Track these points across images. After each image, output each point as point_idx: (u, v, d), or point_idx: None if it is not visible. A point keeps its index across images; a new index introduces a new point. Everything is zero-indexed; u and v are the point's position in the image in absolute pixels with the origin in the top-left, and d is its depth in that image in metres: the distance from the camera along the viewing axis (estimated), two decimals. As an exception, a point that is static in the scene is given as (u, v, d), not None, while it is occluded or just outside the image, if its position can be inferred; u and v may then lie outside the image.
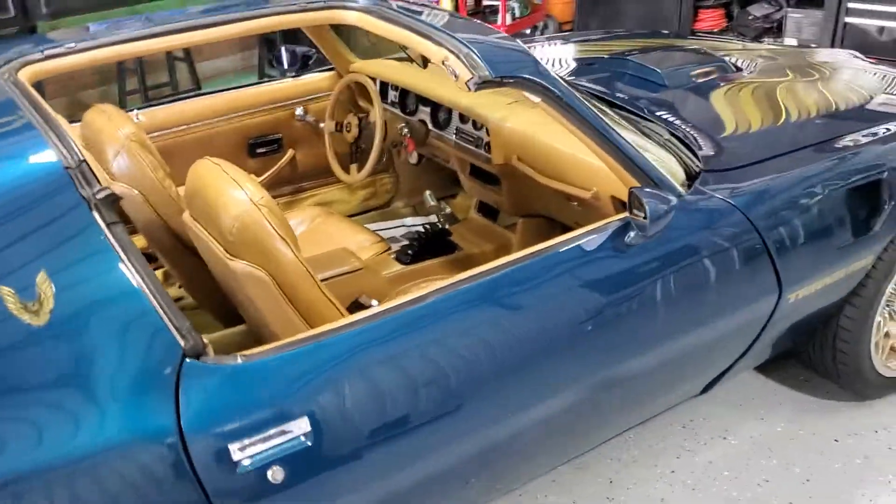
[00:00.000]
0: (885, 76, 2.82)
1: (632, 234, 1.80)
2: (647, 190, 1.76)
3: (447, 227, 2.66)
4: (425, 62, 2.19)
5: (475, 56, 1.70)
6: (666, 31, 4.33)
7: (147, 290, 1.34)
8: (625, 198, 1.98)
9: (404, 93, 2.86)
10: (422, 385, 1.55)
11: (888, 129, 2.35)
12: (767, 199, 2.02)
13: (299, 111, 2.90)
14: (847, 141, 2.27)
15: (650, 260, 1.82)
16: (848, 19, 5.46)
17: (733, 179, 2.03)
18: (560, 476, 2.34)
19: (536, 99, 1.76)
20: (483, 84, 1.68)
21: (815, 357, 2.52)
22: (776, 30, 5.87)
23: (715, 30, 6.03)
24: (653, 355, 1.93)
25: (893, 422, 2.52)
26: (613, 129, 1.82)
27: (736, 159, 2.11)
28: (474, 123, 2.56)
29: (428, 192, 2.69)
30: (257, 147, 2.86)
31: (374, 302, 1.84)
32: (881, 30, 5.34)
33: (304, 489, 1.43)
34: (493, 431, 1.71)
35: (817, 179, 2.11)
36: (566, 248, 1.77)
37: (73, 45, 1.88)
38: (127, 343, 1.32)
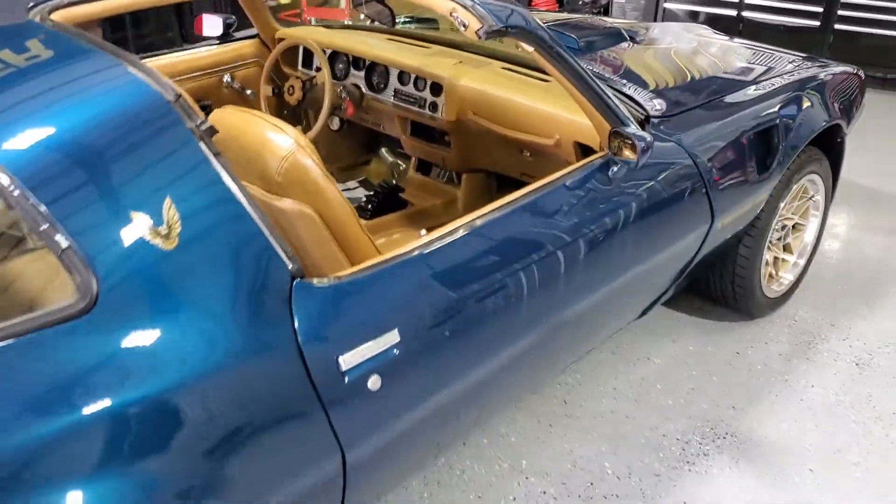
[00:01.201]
0: (744, 44, 3.29)
1: (615, 168, 2.06)
2: (630, 130, 2.03)
3: (399, 184, 2.80)
4: (393, 20, 2.32)
5: (479, 7, 1.87)
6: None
7: (255, 217, 1.42)
8: (588, 142, 2.26)
9: (332, 58, 2.96)
10: (468, 297, 1.72)
11: (770, 86, 2.77)
12: (701, 141, 2.36)
13: (227, 78, 2.92)
14: (742, 95, 2.67)
15: (631, 192, 2.10)
16: (666, 5, 6.10)
17: (672, 125, 2.35)
18: (520, 401, 2.58)
19: (530, 48, 1.97)
20: (491, 33, 1.86)
21: (715, 284, 2.92)
22: (603, 13, 6.43)
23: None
24: (619, 281, 2.20)
25: (777, 335, 2.99)
26: (592, 77, 2.06)
27: (668, 109, 2.43)
28: (416, 84, 2.72)
29: (384, 149, 2.82)
30: (188, 115, 2.85)
31: (423, 231, 1.98)
32: (695, 14, 6.02)
33: (395, 394, 1.57)
34: (504, 350, 1.90)
35: (733, 125, 2.48)
36: (560, 184, 1.99)
37: None
38: (245, 265, 1.40)
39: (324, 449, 1.47)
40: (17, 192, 1.25)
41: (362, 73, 2.88)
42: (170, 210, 1.33)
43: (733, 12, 5.87)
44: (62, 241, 1.24)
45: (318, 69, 2.98)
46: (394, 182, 2.83)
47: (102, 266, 1.25)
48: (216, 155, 1.41)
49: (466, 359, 1.76)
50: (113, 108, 1.37)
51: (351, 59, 2.90)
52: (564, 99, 2.35)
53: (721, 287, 2.92)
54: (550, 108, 2.36)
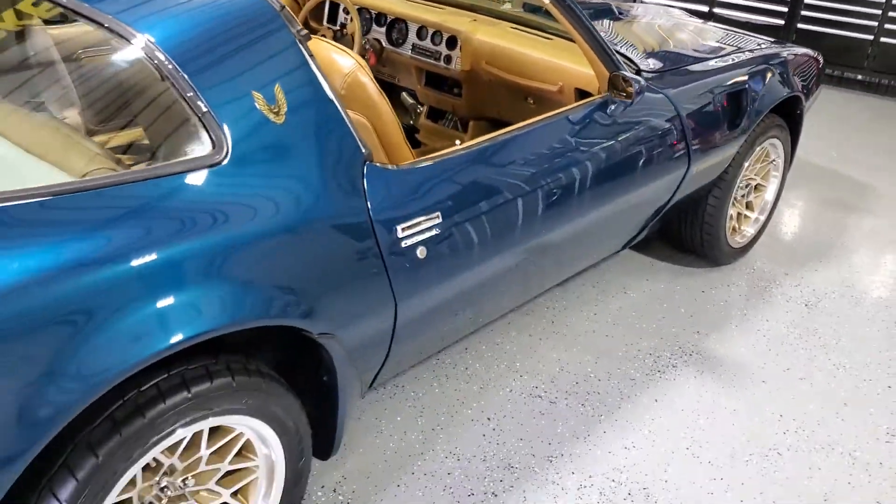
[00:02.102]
0: (715, 26, 3.71)
1: (612, 107, 2.44)
2: (627, 74, 2.41)
3: (416, 125, 3.16)
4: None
5: None
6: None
7: (340, 108, 1.76)
8: (587, 88, 2.63)
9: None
10: (492, 193, 2.07)
11: (735, 58, 3.16)
12: (684, 97, 2.74)
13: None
14: (717, 63, 3.06)
15: (625, 130, 2.47)
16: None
17: (661, 81, 2.73)
18: (514, 320, 2.95)
19: (546, 0, 2.34)
20: None
21: (686, 232, 3.32)
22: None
23: None
24: (609, 206, 2.56)
25: (738, 279, 3.39)
26: (596, 29, 2.43)
27: (657, 67, 2.81)
28: (433, 39, 3.08)
29: (403, 93, 3.17)
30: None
31: (458, 142, 2.33)
32: (669, 7, 6.43)
33: (436, 265, 1.92)
34: (529, 242, 2.25)
35: (710, 87, 2.87)
36: (565, 116, 2.35)
37: None
38: (333, 144, 1.74)
39: (383, 298, 1.81)
40: (170, 66, 1.58)
41: (383, 30, 3.22)
42: (279, 94, 1.67)
43: (705, 8, 6.31)
44: (203, 106, 1.57)
45: (343, 24, 3.31)
46: (411, 122, 3.18)
47: (232, 128, 1.59)
48: (311, 57, 1.75)
49: (487, 246, 2.11)
50: (236, 10, 1.70)
51: (374, 16, 3.24)
52: (566, 53, 2.73)
53: (691, 235, 3.31)
54: (555, 59, 2.73)
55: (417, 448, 2.33)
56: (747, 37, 3.55)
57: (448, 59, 3.04)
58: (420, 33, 3.12)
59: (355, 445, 2.31)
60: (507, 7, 3.14)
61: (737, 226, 3.45)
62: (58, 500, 1.38)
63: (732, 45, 3.34)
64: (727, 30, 3.64)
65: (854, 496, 2.32)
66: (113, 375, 1.35)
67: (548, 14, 3.13)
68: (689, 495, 2.26)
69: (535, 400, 2.57)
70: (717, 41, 3.38)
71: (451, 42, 3.02)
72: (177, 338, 1.41)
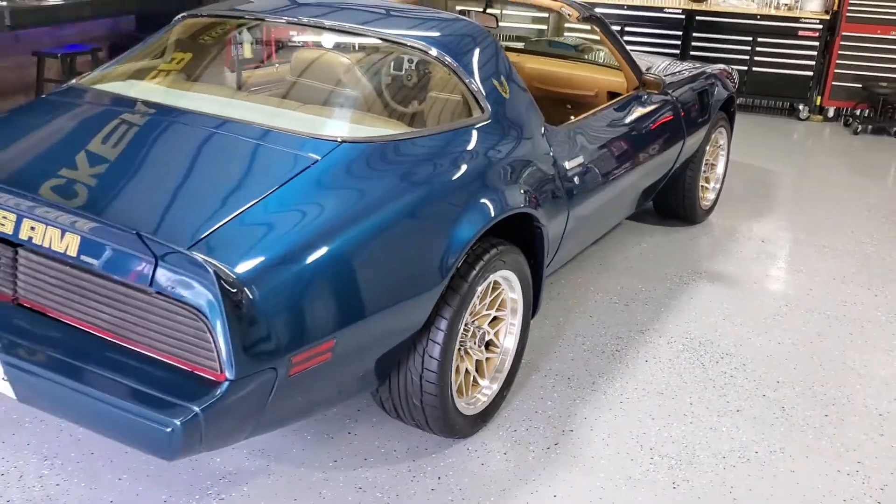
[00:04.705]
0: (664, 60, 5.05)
1: (644, 97, 3.65)
2: (654, 74, 3.63)
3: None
4: (496, 22, 3.85)
5: (577, 5, 3.43)
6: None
7: (528, 92, 2.86)
8: (618, 90, 3.85)
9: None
10: (591, 151, 3.20)
11: (690, 72, 4.46)
12: (677, 93, 4.00)
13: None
14: (680, 75, 4.35)
15: (653, 114, 3.68)
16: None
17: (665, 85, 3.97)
18: (574, 266, 4.07)
19: (597, 28, 3.54)
20: (583, 19, 3.42)
21: (671, 200, 4.55)
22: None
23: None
24: (643, 167, 3.74)
25: (710, 231, 4.65)
26: (625, 45, 3.65)
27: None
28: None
29: None
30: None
31: (571, 118, 3.45)
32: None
33: (582, 190, 3.02)
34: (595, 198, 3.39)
35: (689, 87, 4.15)
36: (614, 106, 3.53)
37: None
38: (532, 111, 2.83)
39: (562, 207, 2.89)
40: (455, 65, 2.65)
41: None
42: (502, 79, 2.76)
43: (617, 27, 7.77)
44: (475, 87, 2.64)
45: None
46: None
47: (489, 101, 2.66)
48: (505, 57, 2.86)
49: (599, 182, 3.22)
50: (470, 29, 2.79)
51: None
52: (591, 69, 3.94)
53: (675, 202, 4.55)
54: (588, 73, 3.93)
55: (554, 333, 3.39)
56: (664, 58, 4.90)
57: (500, 84, 4.19)
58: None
59: (515, 334, 3.33)
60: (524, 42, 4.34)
61: (702, 194, 4.73)
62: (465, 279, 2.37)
63: (664, 63, 4.66)
64: (644, 53, 5.00)
65: (833, 333, 3.55)
66: (475, 232, 2.36)
67: (566, 46, 4.37)
68: (737, 339, 3.42)
69: (614, 304, 3.69)
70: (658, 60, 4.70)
71: (503, 70, 4.18)
72: (499, 213, 2.45)
